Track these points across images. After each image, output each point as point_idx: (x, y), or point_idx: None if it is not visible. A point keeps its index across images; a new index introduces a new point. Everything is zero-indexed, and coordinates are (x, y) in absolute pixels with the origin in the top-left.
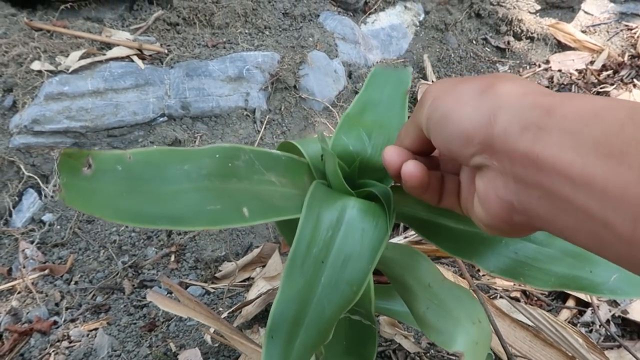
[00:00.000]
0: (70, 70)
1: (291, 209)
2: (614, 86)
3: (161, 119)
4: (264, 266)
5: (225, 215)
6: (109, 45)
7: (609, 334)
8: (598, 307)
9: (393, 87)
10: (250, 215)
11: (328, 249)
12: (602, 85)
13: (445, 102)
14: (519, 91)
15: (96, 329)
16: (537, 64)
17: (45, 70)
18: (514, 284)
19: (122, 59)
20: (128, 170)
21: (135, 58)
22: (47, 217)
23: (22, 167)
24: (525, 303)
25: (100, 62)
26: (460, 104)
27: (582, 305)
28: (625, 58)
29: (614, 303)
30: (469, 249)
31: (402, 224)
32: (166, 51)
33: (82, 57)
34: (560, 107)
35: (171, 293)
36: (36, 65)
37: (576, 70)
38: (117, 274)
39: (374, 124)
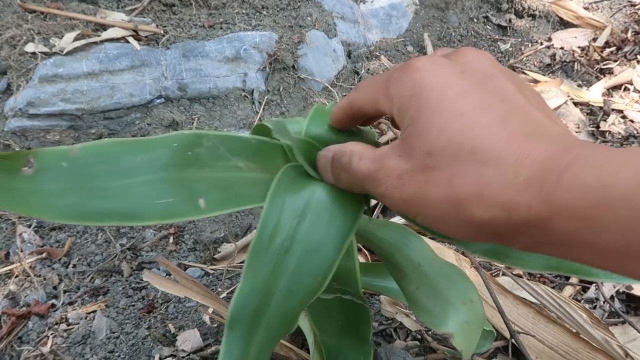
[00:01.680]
0: (64, 52)
1: (256, 196)
2: (617, 63)
3: (158, 101)
4: None
5: (178, 207)
6: (104, 27)
7: (613, 310)
8: (602, 283)
9: None
10: (207, 206)
11: (293, 239)
12: (605, 62)
13: (421, 208)
14: (488, 212)
15: (94, 311)
16: (539, 41)
17: (40, 52)
18: None
19: (117, 40)
20: (74, 166)
21: (130, 39)
22: None
23: (17, 150)
24: (528, 280)
25: (95, 43)
26: (442, 222)
27: (586, 281)
28: (629, 34)
29: None
30: None
31: None
32: (162, 32)
33: (76, 39)
34: (545, 222)
35: (170, 275)
36: (30, 48)
37: (579, 47)
38: (116, 257)
39: None
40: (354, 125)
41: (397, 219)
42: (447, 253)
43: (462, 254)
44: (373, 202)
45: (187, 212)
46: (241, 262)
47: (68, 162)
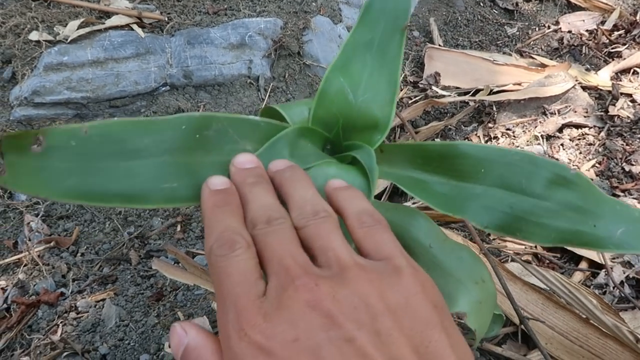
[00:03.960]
0: (69, 40)
1: None
2: (626, 46)
3: (163, 89)
4: None
5: (181, 192)
6: (108, 14)
7: (623, 295)
8: (612, 268)
9: (387, 22)
10: None
11: None
12: (613, 46)
13: None
14: None
15: (103, 299)
16: (547, 25)
17: (44, 41)
18: (525, 247)
19: (121, 27)
20: (83, 146)
21: (135, 26)
22: None
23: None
24: (537, 266)
25: (100, 31)
26: None
27: (595, 267)
28: (637, 17)
29: (627, 264)
30: (460, 205)
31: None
32: (166, 19)
33: (80, 27)
34: None
35: (178, 263)
36: (34, 36)
37: (587, 30)
38: (124, 245)
39: (362, 73)
40: None
41: (407, 202)
42: (455, 238)
43: (471, 240)
44: (381, 187)
45: (191, 197)
46: None
47: (77, 140)
